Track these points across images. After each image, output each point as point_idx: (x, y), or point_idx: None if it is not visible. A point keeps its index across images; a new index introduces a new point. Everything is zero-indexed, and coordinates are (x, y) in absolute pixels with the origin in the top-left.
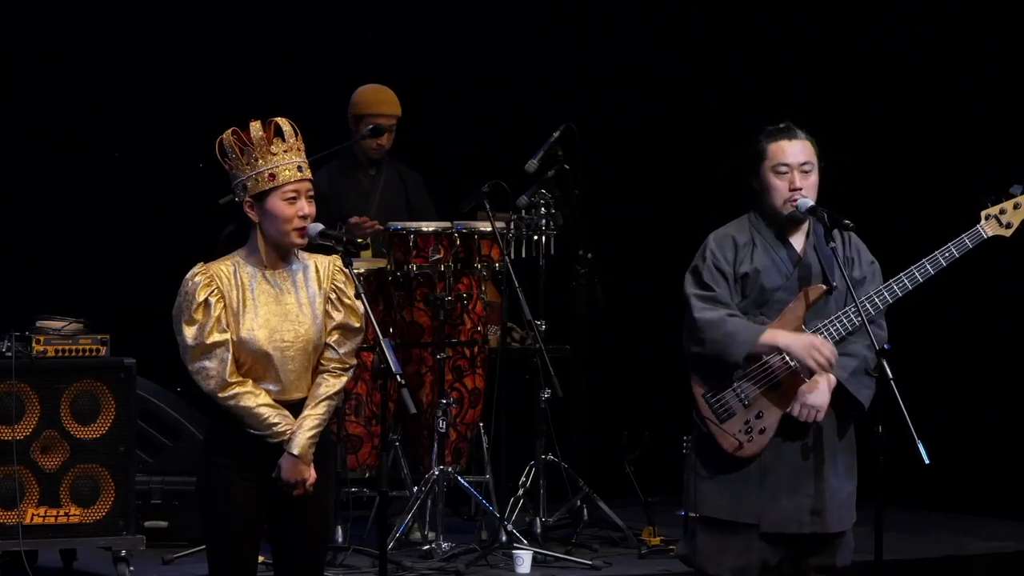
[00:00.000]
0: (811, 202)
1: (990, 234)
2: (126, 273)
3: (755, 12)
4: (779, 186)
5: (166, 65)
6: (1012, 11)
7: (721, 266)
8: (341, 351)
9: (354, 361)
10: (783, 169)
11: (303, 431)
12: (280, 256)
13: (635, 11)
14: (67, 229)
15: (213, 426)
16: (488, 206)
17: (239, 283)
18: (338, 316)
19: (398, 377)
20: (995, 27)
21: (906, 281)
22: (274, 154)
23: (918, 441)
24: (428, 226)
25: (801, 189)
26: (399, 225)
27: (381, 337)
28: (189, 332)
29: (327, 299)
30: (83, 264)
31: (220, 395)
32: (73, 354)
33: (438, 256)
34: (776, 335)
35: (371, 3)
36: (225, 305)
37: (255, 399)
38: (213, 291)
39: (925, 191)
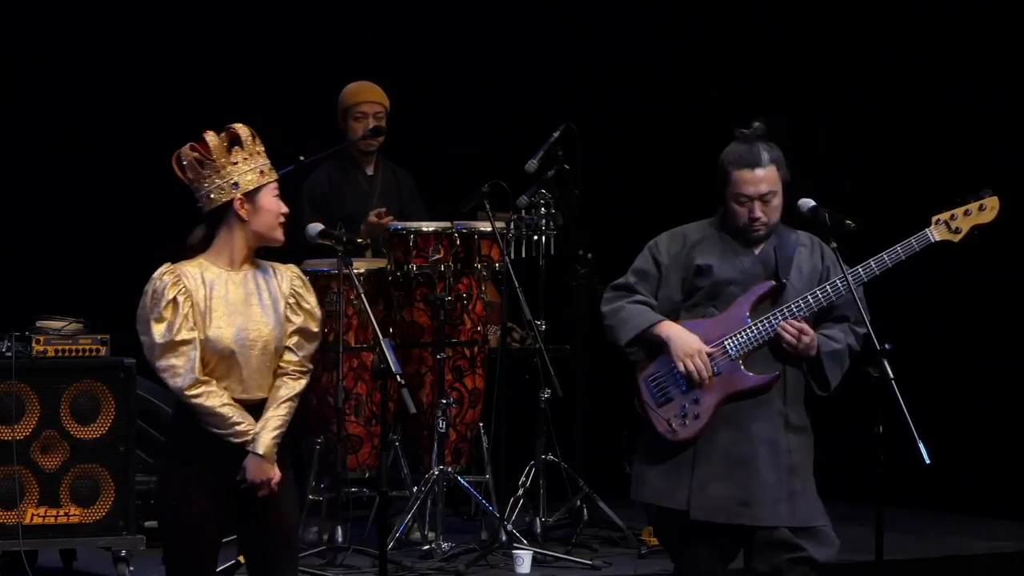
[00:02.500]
0: (812, 202)
1: (938, 239)
2: (126, 273)
3: (755, 12)
4: (740, 213)
5: (167, 66)
6: (1012, 11)
7: (659, 256)
8: (301, 354)
9: (312, 365)
10: (743, 200)
11: (267, 431)
12: (249, 257)
13: (635, 11)
14: (67, 229)
15: (176, 429)
16: (488, 206)
17: (205, 283)
18: (297, 320)
19: (398, 377)
20: (995, 27)
21: (850, 280)
22: (260, 152)
23: (919, 441)
24: (428, 226)
25: (760, 218)
26: (399, 225)
27: (381, 337)
28: (158, 329)
29: (287, 304)
30: (83, 264)
31: (187, 393)
32: (73, 354)
33: (438, 256)
34: (664, 327)
35: (371, 3)
36: (193, 304)
37: (219, 399)
38: (181, 290)
39: (925, 191)
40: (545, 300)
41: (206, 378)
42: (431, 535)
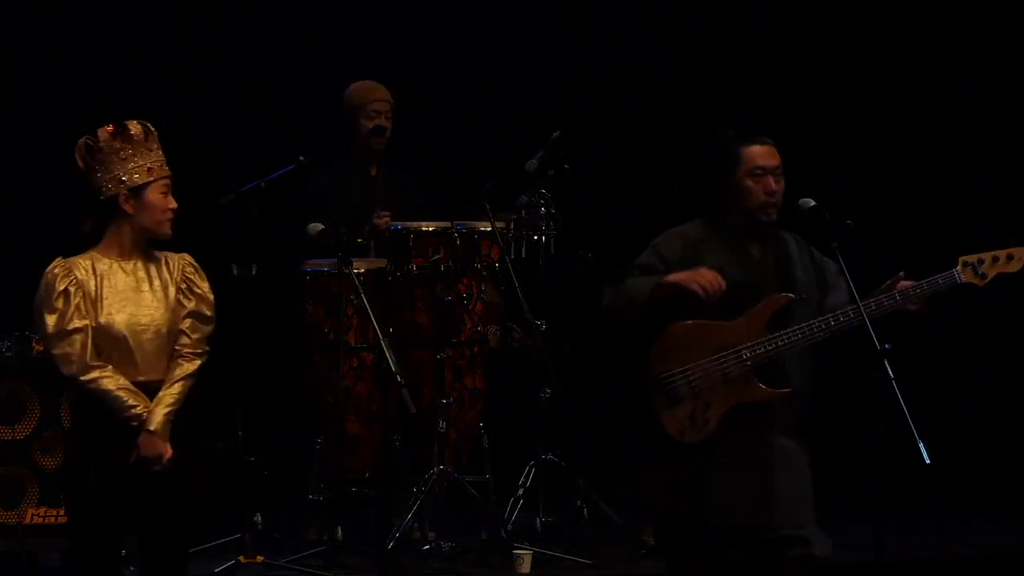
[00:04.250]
0: (812, 202)
1: (964, 281)
2: None
3: (755, 12)
4: (756, 190)
5: (167, 66)
6: (1012, 11)
7: (663, 253)
8: (194, 336)
9: (207, 347)
10: (760, 172)
11: (160, 407)
12: (139, 248)
13: (635, 11)
14: (67, 229)
15: (79, 414)
16: (488, 206)
17: (96, 274)
18: (190, 304)
19: (398, 377)
20: (995, 27)
21: (874, 307)
22: (151, 150)
23: (919, 441)
24: (428, 226)
25: (776, 192)
26: (399, 225)
27: (381, 337)
28: (50, 320)
29: (179, 289)
30: None
31: (82, 378)
32: None
33: (438, 256)
34: (672, 275)
35: (372, 3)
36: (84, 294)
37: (114, 383)
38: (72, 281)
39: (925, 191)
40: (545, 300)
41: (100, 363)
42: (431, 535)
